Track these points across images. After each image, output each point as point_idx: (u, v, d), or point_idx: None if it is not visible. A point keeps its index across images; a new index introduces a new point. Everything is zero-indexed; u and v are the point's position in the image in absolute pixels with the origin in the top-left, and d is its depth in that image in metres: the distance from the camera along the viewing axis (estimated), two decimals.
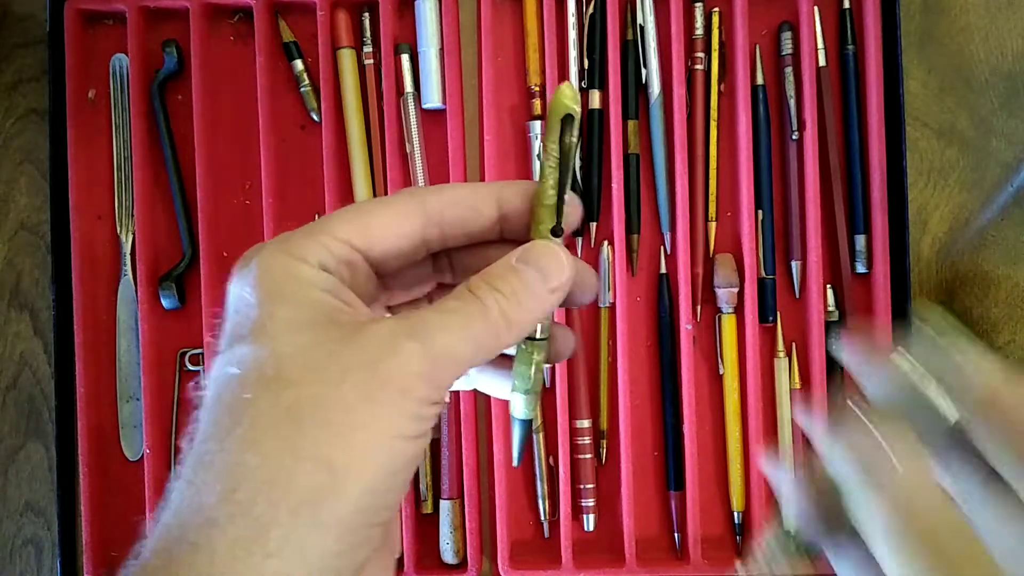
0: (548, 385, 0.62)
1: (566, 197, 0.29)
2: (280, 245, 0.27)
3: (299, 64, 0.62)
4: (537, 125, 0.62)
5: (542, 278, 0.28)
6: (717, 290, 0.61)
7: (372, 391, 0.25)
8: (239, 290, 0.27)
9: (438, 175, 0.62)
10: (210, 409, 0.25)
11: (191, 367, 0.62)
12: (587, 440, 0.61)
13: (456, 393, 0.60)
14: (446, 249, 0.31)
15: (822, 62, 0.61)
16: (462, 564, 0.61)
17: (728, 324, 0.61)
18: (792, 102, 0.61)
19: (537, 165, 0.62)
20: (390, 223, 0.28)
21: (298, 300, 0.26)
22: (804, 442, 0.27)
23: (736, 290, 0.60)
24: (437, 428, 0.62)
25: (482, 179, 0.60)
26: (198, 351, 0.62)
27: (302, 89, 0.62)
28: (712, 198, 0.62)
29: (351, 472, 0.24)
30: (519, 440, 0.31)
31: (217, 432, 0.25)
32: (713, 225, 0.62)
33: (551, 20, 0.61)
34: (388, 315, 0.32)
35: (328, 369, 0.25)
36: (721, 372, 0.61)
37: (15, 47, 0.64)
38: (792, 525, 0.28)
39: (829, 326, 0.60)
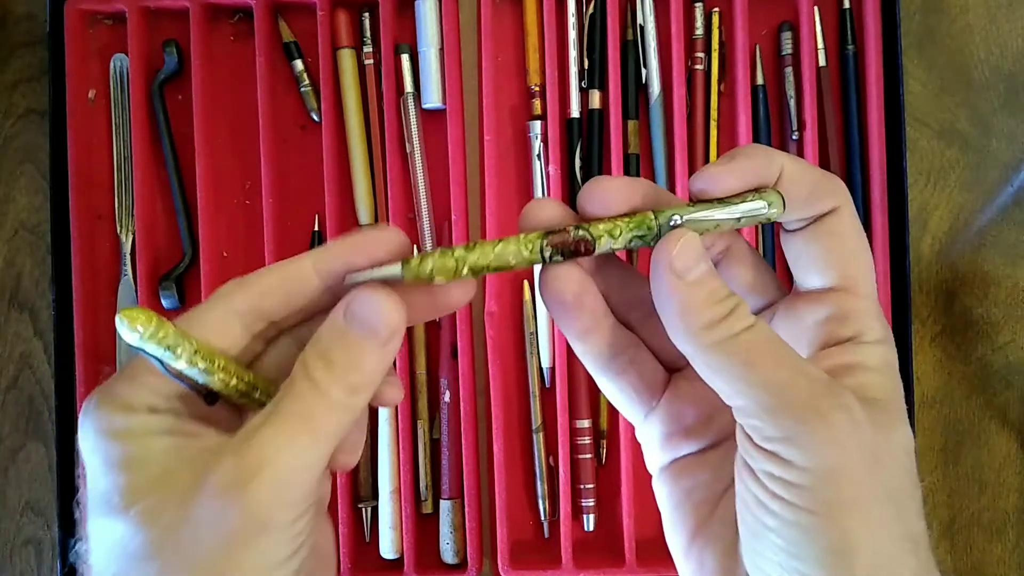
0: (549, 385, 0.62)
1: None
2: (106, 397, 0.26)
3: (299, 64, 0.62)
4: (537, 125, 0.62)
5: (371, 333, 0.26)
6: None
7: (225, 568, 0.24)
8: (85, 456, 0.26)
9: (438, 175, 0.62)
10: None
11: None
12: (587, 440, 0.61)
13: (456, 393, 0.60)
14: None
15: (822, 62, 0.61)
16: (462, 564, 0.61)
17: None
18: (792, 102, 0.61)
19: (538, 165, 0.62)
20: (209, 340, 0.27)
21: (135, 462, 0.25)
22: None
23: None
24: (437, 428, 0.62)
25: (482, 179, 0.60)
26: None
27: (302, 89, 0.62)
28: None
29: None
30: None
31: None
32: None
33: (551, 20, 0.61)
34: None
35: (179, 555, 0.24)
36: None
37: (15, 47, 0.64)
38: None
39: None
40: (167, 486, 0.25)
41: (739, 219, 0.27)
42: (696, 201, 0.28)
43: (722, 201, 0.27)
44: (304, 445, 0.25)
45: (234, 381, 0.27)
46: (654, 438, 0.31)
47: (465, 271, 0.27)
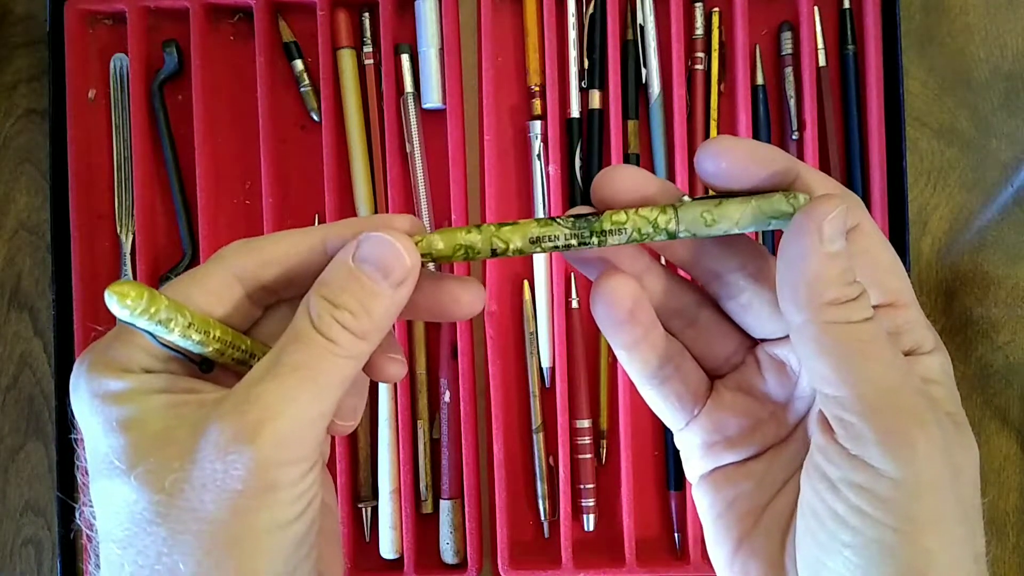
0: (549, 385, 0.62)
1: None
2: (99, 359, 0.26)
3: (299, 64, 0.62)
4: (537, 125, 0.62)
5: (383, 275, 0.25)
6: None
7: (235, 528, 0.24)
8: (81, 418, 0.26)
9: (438, 175, 0.62)
10: (120, 543, 0.25)
11: None
12: (587, 440, 0.61)
13: (456, 393, 0.60)
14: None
15: (822, 62, 0.61)
16: (462, 564, 0.61)
17: None
18: (792, 102, 0.61)
19: (538, 165, 0.62)
20: (203, 304, 0.26)
21: (134, 423, 0.25)
22: None
23: None
24: (437, 428, 0.62)
25: (482, 179, 0.60)
26: None
27: (302, 89, 0.62)
28: None
29: None
30: None
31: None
32: None
33: (551, 20, 0.61)
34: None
35: (186, 519, 0.24)
36: None
37: (15, 47, 0.64)
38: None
39: None
40: (167, 446, 0.24)
41: (770, 221, 0.26)
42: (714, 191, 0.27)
43: (747, 196, 0.26)
44: (309, 398, 0.25)
45: (230, 350, 0.27)
46: (694, 446, 0.30)
47: (480, 246, 0.27)
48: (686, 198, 0.27)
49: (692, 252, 0.29)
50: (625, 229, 0.27)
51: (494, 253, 0.27)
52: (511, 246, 0.27)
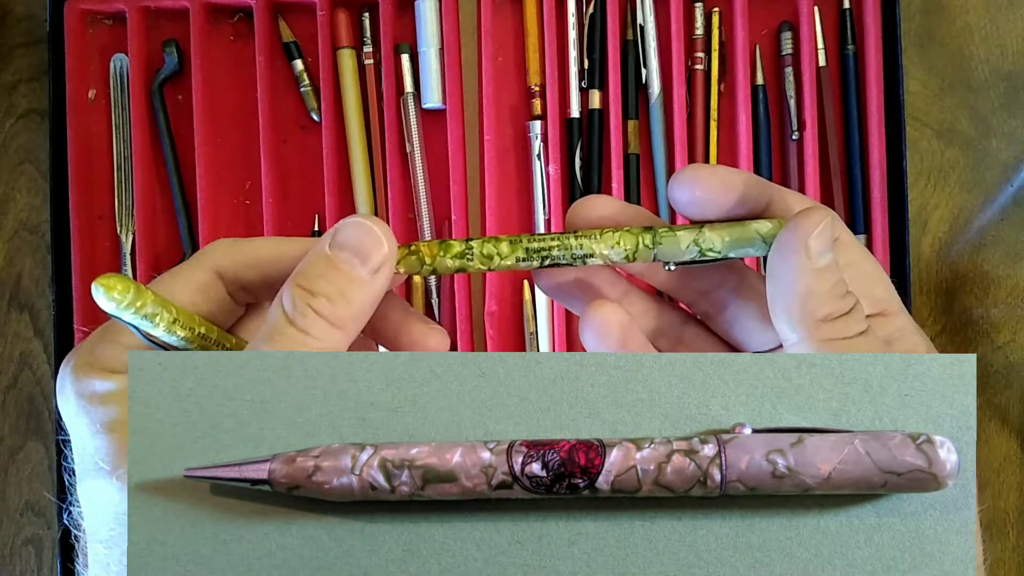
0: None
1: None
2: (85, 359, 0.26)
3: (299, 64, 0.62)
4: (537, 125, 0.62)
5: (361, 260, 0.25)
6: None
7: None
8: (68, 419, 0.26)
9: (438, 175, 0.62)
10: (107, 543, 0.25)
11: None
12: None
13: None
14: None
15: (822, 62, 0.61)
16: None
17: None
18: (792, 102, 0.61)
19: (538, 165, 0.62)
20: (187, 300, 0.27)
21: (118, 424, 0.25)
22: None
23: None
24: None
25: (482, 179, 0.60)
26: None
27: (302, 89, 0.62)
28: None
29: None
30: None
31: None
32: None
33: (551, 20, 0.61)
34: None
35: None
36: None
37: (15, 47, 0.64)
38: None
39: None
40: None
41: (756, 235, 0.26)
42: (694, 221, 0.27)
43: (729, 223, 0.26)
44: None
45: (214, 347, 0.27)
46: None
47: (452, 240, 0.27)
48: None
49: (672, 273, 0.29)
50: (594, 234, 0.27)
51: (467, 245, 0.27)
52: (485, 239, 0.27)
